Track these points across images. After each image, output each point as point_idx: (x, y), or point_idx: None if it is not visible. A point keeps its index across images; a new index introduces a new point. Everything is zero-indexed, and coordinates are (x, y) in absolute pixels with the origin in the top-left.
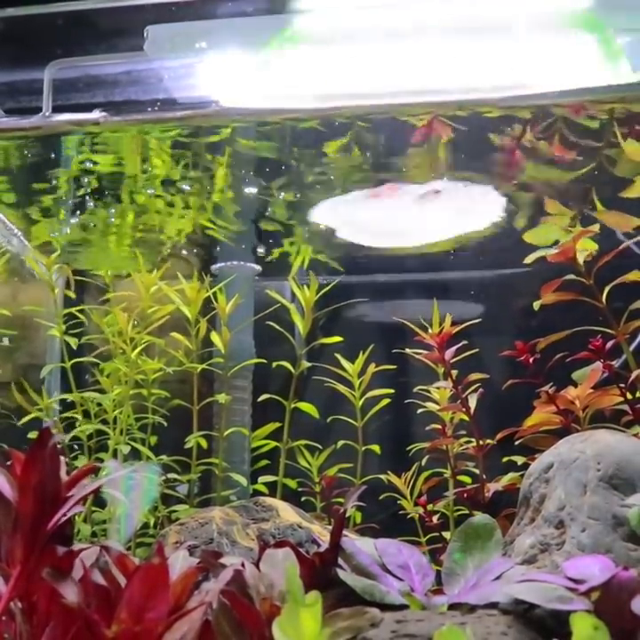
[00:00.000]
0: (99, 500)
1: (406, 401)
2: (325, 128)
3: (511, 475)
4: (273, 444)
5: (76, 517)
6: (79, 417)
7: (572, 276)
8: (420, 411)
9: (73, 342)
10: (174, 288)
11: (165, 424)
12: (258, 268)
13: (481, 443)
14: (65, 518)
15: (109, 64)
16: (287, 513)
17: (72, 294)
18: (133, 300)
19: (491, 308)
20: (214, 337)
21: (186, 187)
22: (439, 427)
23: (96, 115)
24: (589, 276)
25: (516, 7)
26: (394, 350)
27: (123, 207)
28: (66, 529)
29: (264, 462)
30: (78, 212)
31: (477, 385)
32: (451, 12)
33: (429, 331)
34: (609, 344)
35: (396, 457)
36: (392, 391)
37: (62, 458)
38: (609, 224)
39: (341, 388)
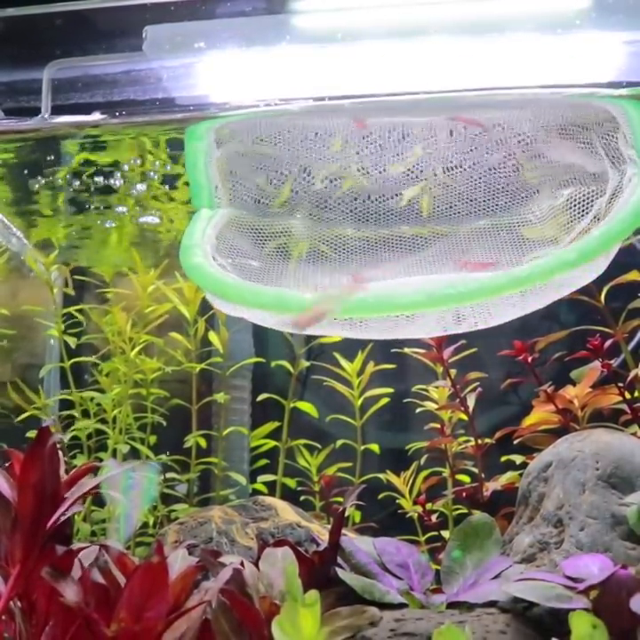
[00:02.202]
0: (98, 499)
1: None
2: None
3: (510, 474)
4: (272, 443)
5: (76, 516)
6: (78, 416)
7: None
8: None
9: (72, 342)
10: (172, 287)
11: (164, 423)
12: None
13: (479, 442)
14: (64, 517)
15: (108, 64)
16: (286, 512)
17: (71, 292)
18: (132, 298)
19: None
20: (213, 336)
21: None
22: (438, 426)
23: (95, 117)
24: None
25: (515, 7)
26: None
27: (120, 204)
28: (65, 528)
29: (263, 462)
30: (77, 210)
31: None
32: (450, 12)
33: None
34: (607, 343)
35: (394, 456)
36: (391, 390)
37: (61, 457)
38: None
39: (340, 387)
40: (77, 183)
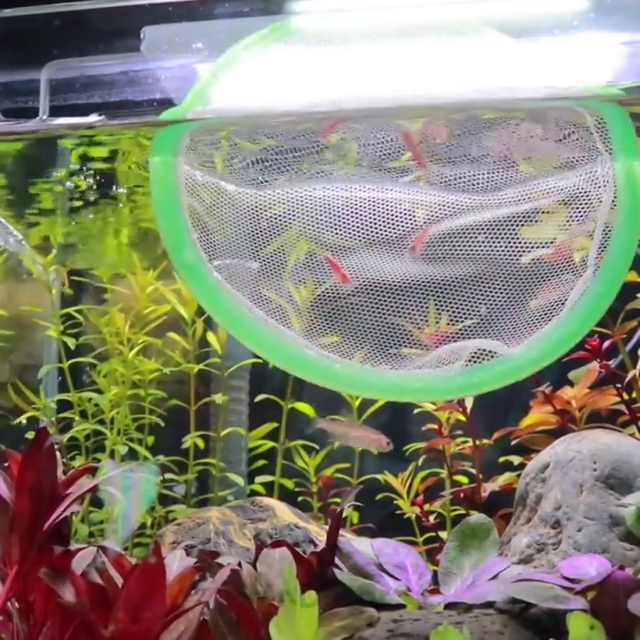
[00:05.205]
0: (96, 500)
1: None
2: None
3: (508, 474)
4: (270, 444)
5: (74, 517)
6: (76, 417)
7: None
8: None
9: (70, 342)
10: (171, 287)
11: (162, 424)
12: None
13: (477, 442)
14: (62, 518)
15: (106, 65)
16: (284, 513)
17: (69, 292)
18: (130, 299)
19: None
20: (211, 337)
21: None
22: (436, 427)
23: (93, 118)
24: None
25: (514, 8)
26: None
27: (118, 205)
28: (63, 529)
29: (261, 462)
30: (75, 211)
31: None
32: (447, 14)
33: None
34: (605, 344)
35: (392, 457)
36: None
37: (59, 458)
38: None
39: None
40: (76, 184)
